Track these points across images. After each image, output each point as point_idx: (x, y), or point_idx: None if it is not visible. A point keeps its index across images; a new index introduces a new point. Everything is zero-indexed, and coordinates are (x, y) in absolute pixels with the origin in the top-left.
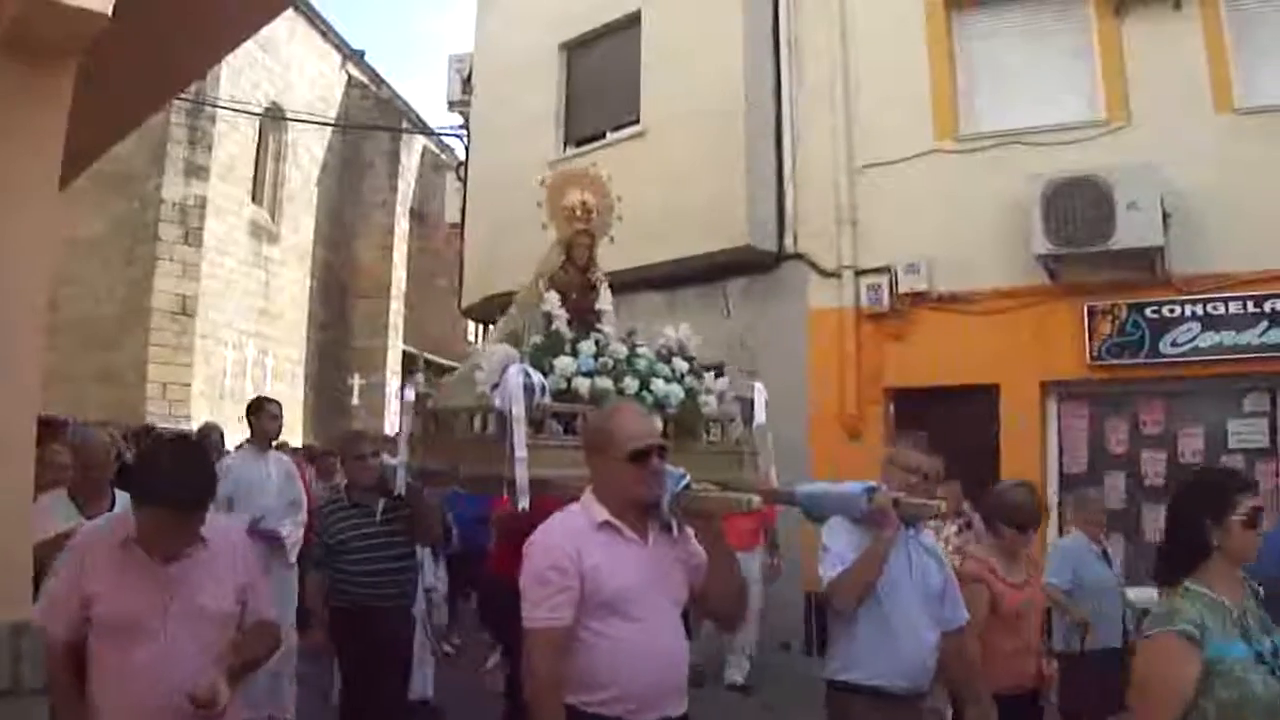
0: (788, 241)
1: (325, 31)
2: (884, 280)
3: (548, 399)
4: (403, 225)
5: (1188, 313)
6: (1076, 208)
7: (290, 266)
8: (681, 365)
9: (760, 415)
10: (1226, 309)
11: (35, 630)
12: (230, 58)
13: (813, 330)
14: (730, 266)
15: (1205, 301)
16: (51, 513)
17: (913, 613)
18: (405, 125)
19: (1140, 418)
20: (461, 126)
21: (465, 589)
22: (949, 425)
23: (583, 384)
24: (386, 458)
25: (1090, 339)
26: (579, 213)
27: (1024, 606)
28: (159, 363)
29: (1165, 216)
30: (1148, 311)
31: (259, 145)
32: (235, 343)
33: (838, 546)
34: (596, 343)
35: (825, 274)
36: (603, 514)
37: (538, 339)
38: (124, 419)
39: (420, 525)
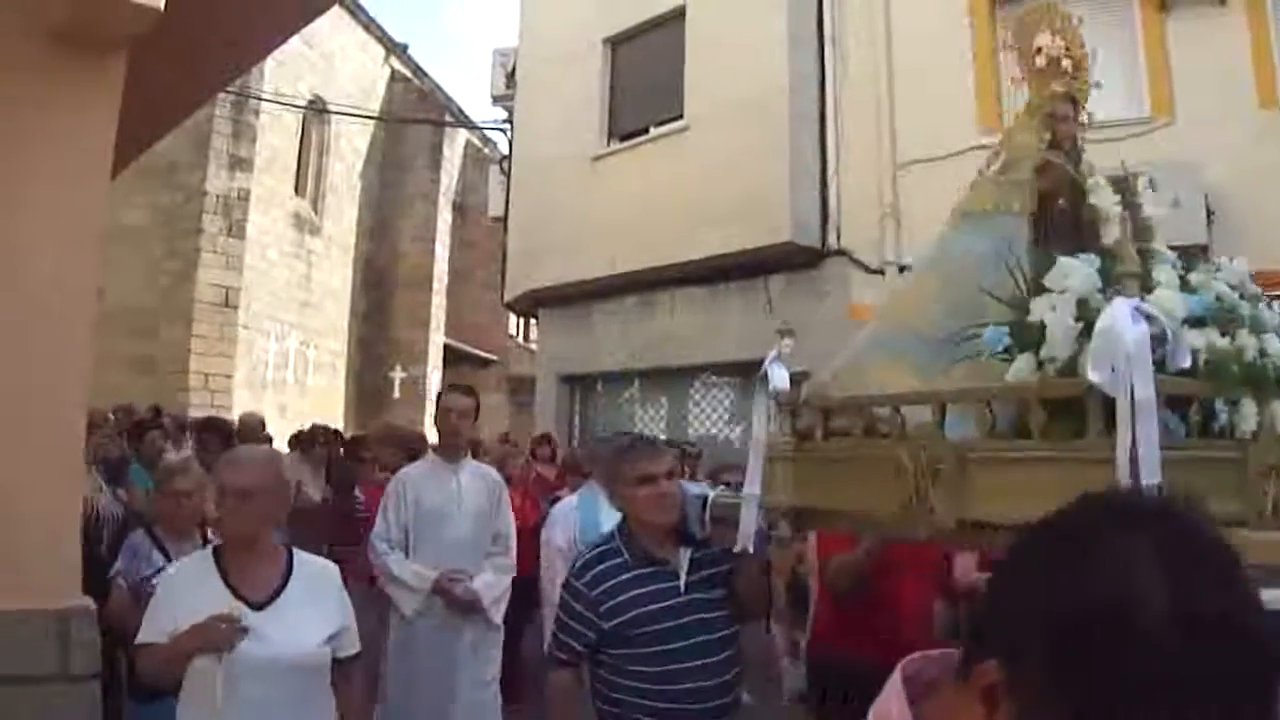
0: (830, 238)
1: (368, 24)
2: None
3: (1185, 362)
4: (445, 218)
5: None
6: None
7: (332, 259)
8: (1273, 316)
9: None
10: (1270, 308)
11: (84, 616)
12: (274, 51)
13: (855, 327)
14: (772, 262)
15: None
16: (188, 581)
17: None
18: (448, 118)
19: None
20: (505, 120)
21: None
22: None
23: (1195, 341)
24: (687, 485)
25: None
26: (1054, 66)
27: None
28: (200, 353)
29: (1209, 214)
30: None
31: (302, 138)
32: (277, 334)
33: None
34: (1172, 266)
35: (868, 270)
36: None
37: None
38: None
39: (748, 592)
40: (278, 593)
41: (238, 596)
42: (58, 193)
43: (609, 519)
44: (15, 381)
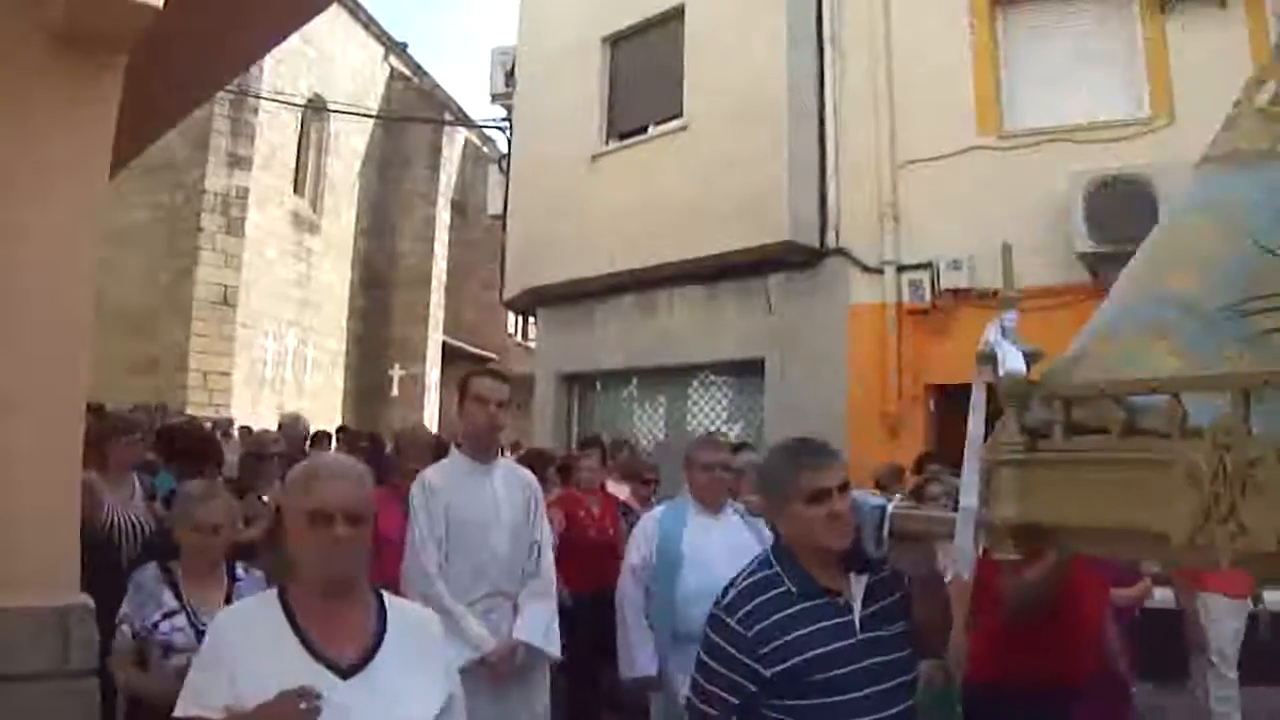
0: (829, 237)
1: (367, 23)
2: (926, 276)
3: None
4: (444, 217)
5: None
6: (1119, 206)
7: (331, 257)
8: None
9: None
10: None
11: (82, 614)
12: (273, 49)
13: (854, 326)
14: (771, 261)
15: None
16: (249, 635)
17: None
18: (447, 117)
19: None
20: (504, 119)
21: None
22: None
23: None
24: (862, 496)
25: None
26: None
27: None
28: (199, 352)
29: None
30: None
31: (301, 136)
32: (276, 333)
33: None
34: None
35: (867, 269)
36: None
37: None
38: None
39: (930, 625)
40: (370, 654)
41: (319, 659)
42: (55, 191)
43: (694, 531)
44: (12, 381)
